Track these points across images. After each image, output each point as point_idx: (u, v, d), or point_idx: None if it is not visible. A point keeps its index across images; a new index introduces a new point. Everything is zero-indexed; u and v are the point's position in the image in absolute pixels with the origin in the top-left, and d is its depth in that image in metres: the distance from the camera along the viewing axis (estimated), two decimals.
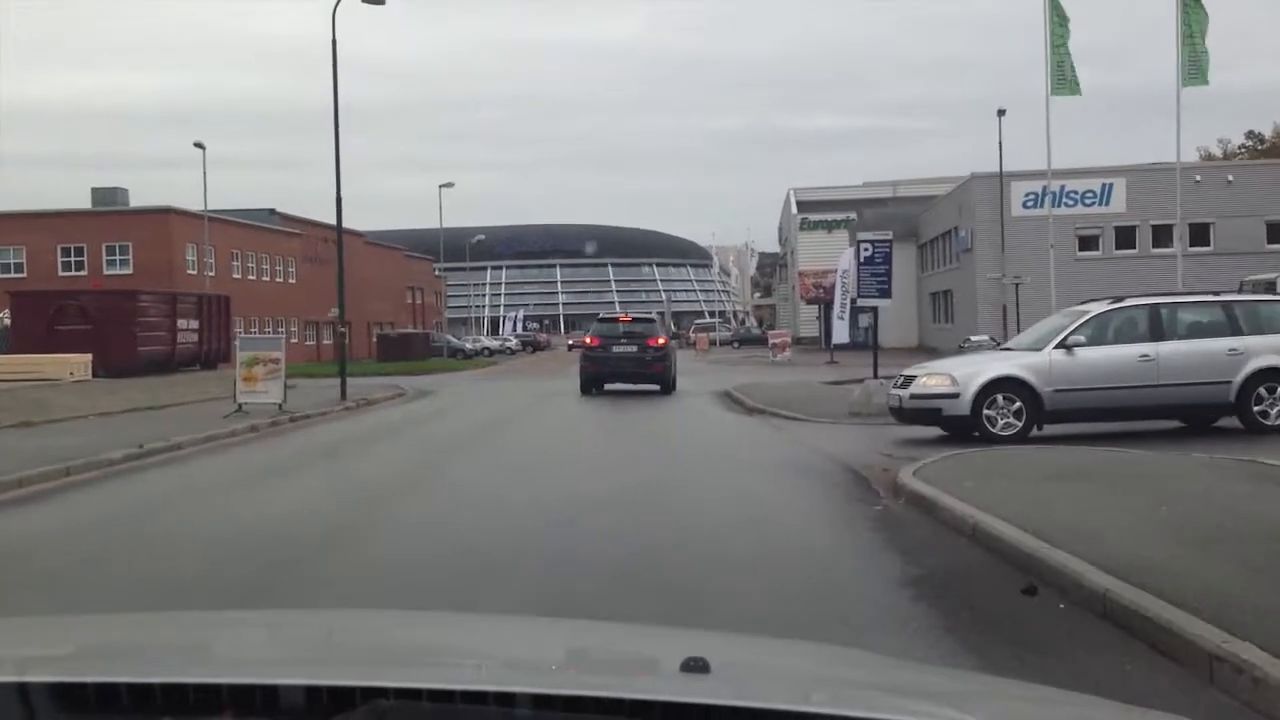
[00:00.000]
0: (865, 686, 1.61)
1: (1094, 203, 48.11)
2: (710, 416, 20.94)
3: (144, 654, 1.74)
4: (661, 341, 27.21)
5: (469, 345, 70.24)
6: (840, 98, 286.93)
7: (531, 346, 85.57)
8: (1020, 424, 14.78)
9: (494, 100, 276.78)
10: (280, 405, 21.91)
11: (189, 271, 53.02)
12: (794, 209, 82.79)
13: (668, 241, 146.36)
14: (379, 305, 77.35)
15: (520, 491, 11.30)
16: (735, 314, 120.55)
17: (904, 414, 15.64)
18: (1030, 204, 48.04)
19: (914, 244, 64.31)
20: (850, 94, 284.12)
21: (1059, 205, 47.96)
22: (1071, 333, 14.98)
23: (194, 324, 35.89)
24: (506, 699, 1.26)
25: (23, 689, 1.30)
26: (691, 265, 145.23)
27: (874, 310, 21.53)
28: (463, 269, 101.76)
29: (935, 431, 15.58)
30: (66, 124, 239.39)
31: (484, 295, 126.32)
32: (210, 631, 2.06)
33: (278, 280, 62.91)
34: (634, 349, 26.28)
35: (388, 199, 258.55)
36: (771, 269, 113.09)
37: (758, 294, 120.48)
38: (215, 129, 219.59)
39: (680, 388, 29.13)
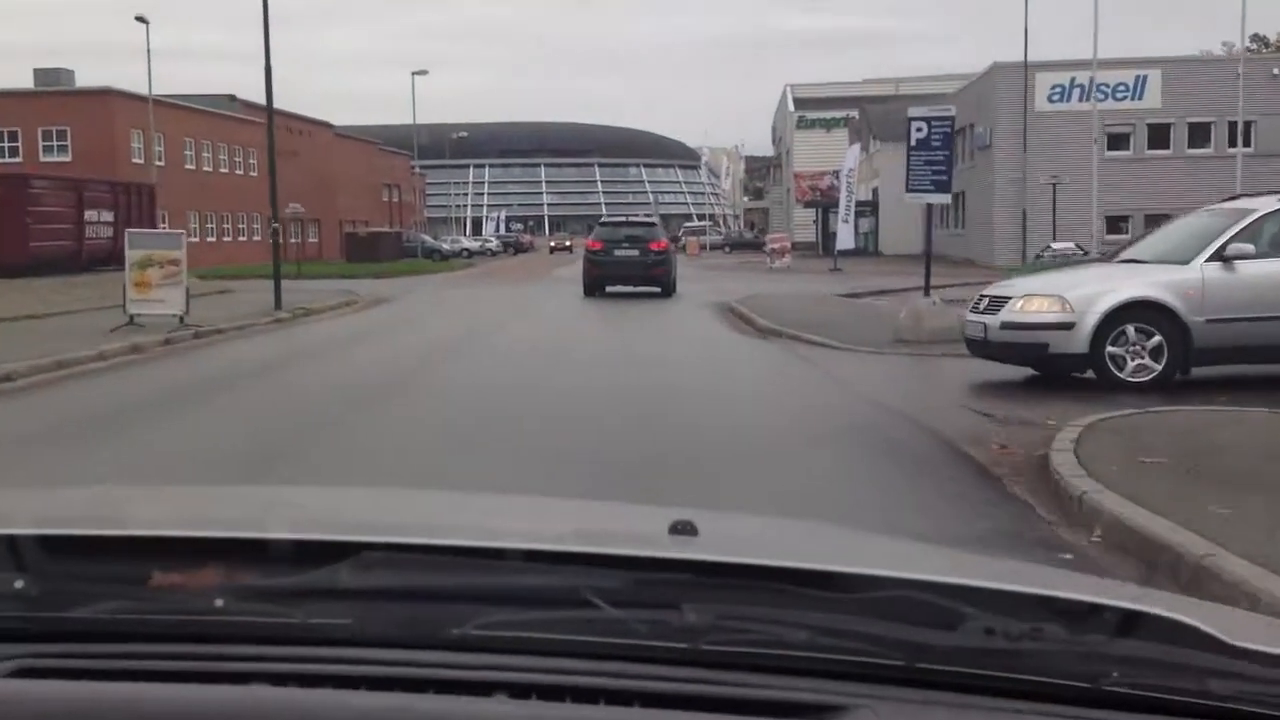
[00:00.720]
0: (850, 550, 1.61)
1: (1126, 97, 43.38)
2: (718, 341, 16.54)
3: (130, 513, 1.71)
4: (663, 245, 27.15)
5: (446, 246, 65.38)
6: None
7: (514, 248, 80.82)
8: (1159, 367, 10.48)
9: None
10: (181, 317, 17.46)
11: (134, 160, 47.98)
12: (790, 106, 77.59)
13: (656, 142, 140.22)
14: (351, 202, 72.34)
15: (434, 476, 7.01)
16: (724, 218, 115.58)
17: (990, 348, 11.31)
18: (1057, 98, 43.39)
19: None
20: None
21: (1087, 99, 43.32)
22: (1232, 239, 10.61)
23: (108, 216, 31.03)
24: (495, 554, 1.26)
25: (11, 541, 1.29)
26: (680, 167, 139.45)
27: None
28: (443, 167, 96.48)
29: (1014, 371, 11.32)
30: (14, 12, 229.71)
31: (466, 195, 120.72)
32: (197, 499, 2.10)
33: (238, 173, 57.80)
34: (636, 252, 26.15)
35: (369, 96, 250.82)
36: (764, 172, 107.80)
37: (747, 197, 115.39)
38: (174, 17, 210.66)
39: (677, 294, 25.17)
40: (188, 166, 52.26)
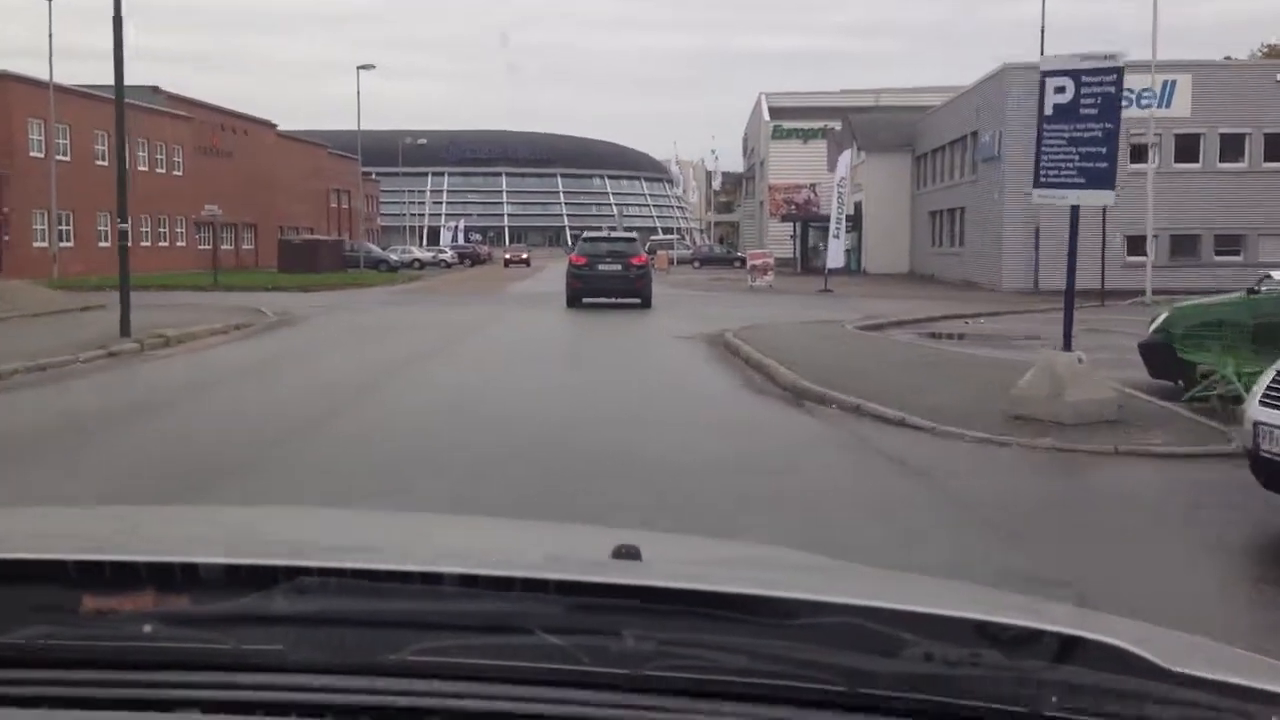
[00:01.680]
0: (792, 573, 1.61)
1: (1151, 103, 38.08)
2: (733, 415, 10.43)
3: (61, 535, 1.66)
4: (642, 260, 27.98)
5: (394, 256, 59.21)
6: (807, 18, 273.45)
7: (470, 259, 74.55)
8: None
9: (449, 9, 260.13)
10: None
11: (32, 154, 41.73)
12: (765, 115, 72.13)
13: (621, 153, 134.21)
14: (294, 208, 66.14)
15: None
16: (690, 232, 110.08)
17: None
18: None
19: (909, 155, 54.33)
20: (816, 14, 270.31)
21: None
22: None
23: None
24: (433, 579, 1.21)
25: None
26: (645, 179, 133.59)
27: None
28: (401, 174, 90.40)
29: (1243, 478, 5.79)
30: None
31: (424, 204, 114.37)
32: (131, 519, 2.00)
33: (159, 171, 51.44)
34: (619, 267, 26.69)
35: (329, 104, 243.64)
36: (732, 186, 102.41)
37: (712, 211, 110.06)
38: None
39: (657, 328, 19.74)
40: (98, 162, 45.92)
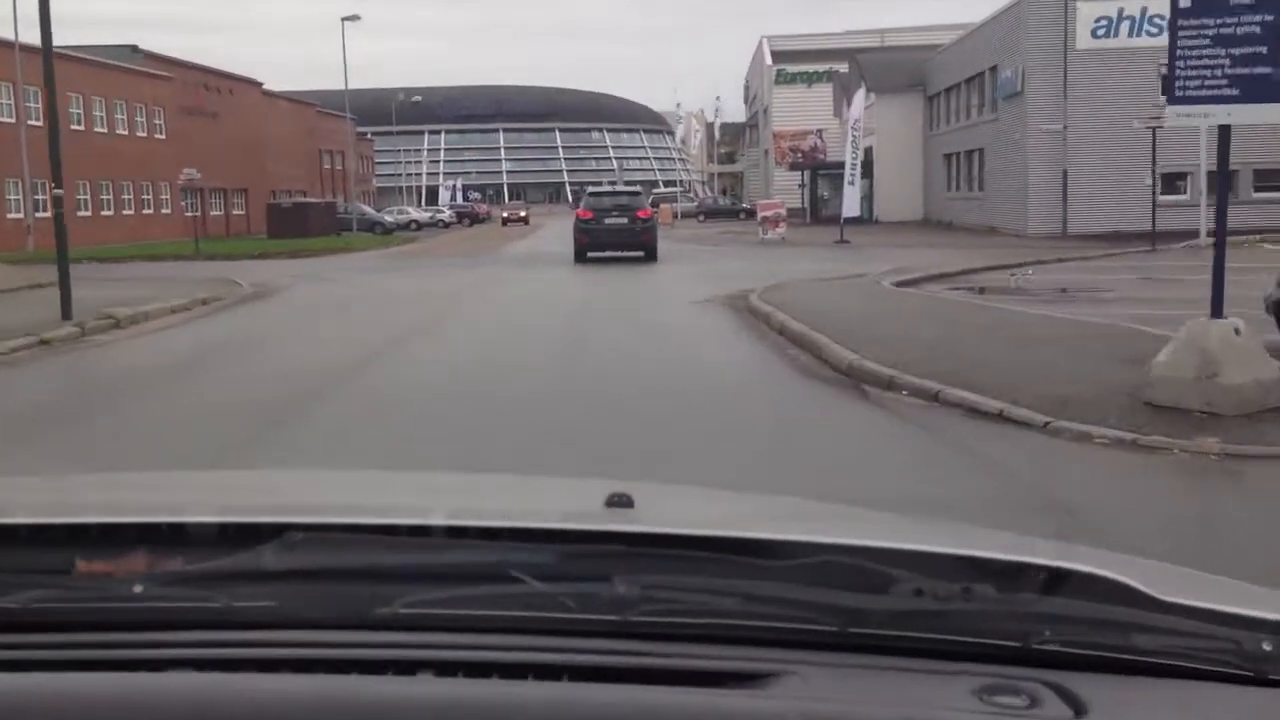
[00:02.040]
0: (783, 518, 1.60)
1: None
2: (788, 412, 8.05)
3: (50, 500, 1.67)
4: (648, 213, 27.81)
5: (390, 218, 56.77)
6: None
7: (469, 219, 72.03)
8: None
9: None
10: None
11: (2, 119, 39.32)
12: (767, 59, 69.26)
13: (620, 106, 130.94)
14: (285, 170, 63.66)
15: None
16: (692, 183, 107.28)
17: None
18: (1102, 32, 35.52)
19: (920, 96, 51.70)
20: None
21: (1137, 34, 35.56)
22: None
23: None
24: (420, 531, 1.22)
25: None
26: (645, 131, 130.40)
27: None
28: (395, 134, 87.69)
29: None
30: None
31: (420, 163, 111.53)
32: (120, 485, 1.98)
33: (140, 134, 48.92)
34: (625, 220, 26.69)
35: (321, 63, 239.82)
36: (734, 136, 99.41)
37: (713, 164, 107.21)
38: None
39: (669, 293, 17.48)
40: (75, 127, 43.47)
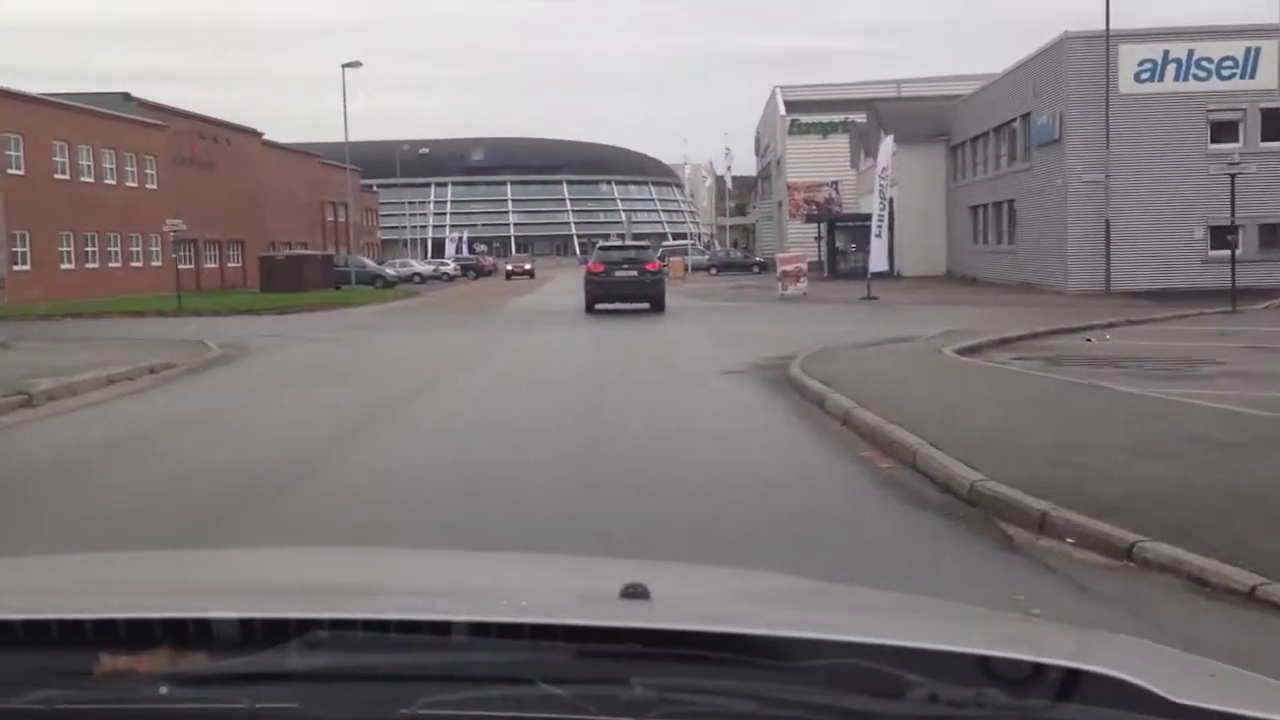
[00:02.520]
0: (798, 609, 1.59)
1: (1233, 74, 33.16)
2: (883, 570, 5.34)
3: (71, 591, 1.64)
4: (656, 266, 28.47)
5: (390, 271, 54.30)
6: (808, 19, 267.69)
7: (474, 271, 69.59)
8: None
9: (444, 18, 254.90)
10: None
11: None
12: (781, 109, 67.16)
13: (628, 158, 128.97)
14: (285, 221, 61.39)
15: None
16: (700, 236, 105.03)
17: None
18: (1146, 75, 33.09)
19: (943, 146, 49.30)
20: (819, 13, 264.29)
21: (1184, 78, 33.13)
22: None
23: None
24: (442, 628, 1.22)
25: None
26: (654, 184, 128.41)
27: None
28: (402, 186, 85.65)
29: None
30: None
31: (427, 215, 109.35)
32: (141, 569, 1.97)
33: (130, 185, 46.53)
34: (634, 273, 27.29)
35: (329, 118, 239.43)
36: (744, 189, 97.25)
37: (719, 215, 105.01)
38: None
39: (693, 361, 14.87)
40: (59, 175, 41.15)
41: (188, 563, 2.18)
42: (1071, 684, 1.11)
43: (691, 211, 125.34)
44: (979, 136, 44.07)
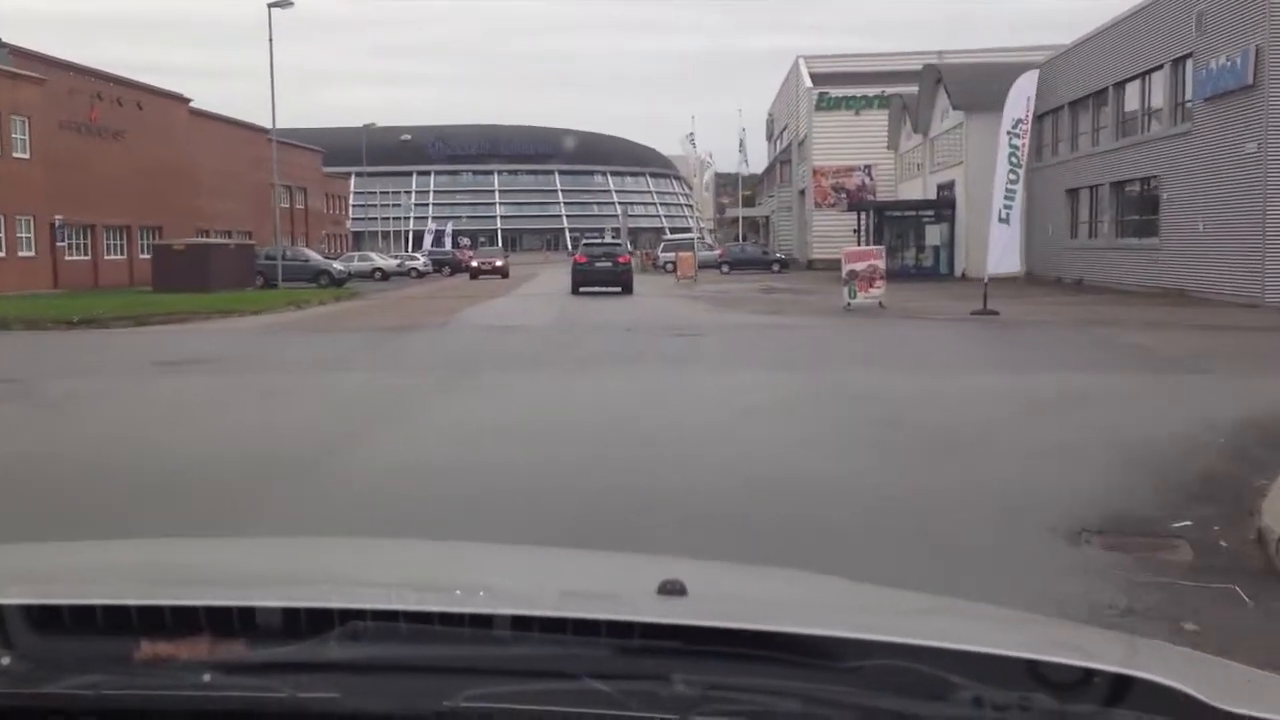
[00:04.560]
0: (839, 609, 1.57)
1: None
2: None
3: (117, 577, 1.61)
4: (626, 259, 34.50)
5: (337, 266, 43.00)
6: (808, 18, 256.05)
7: (449, 267, 58.31)
8: None
9: (440, 16, 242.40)
10: None
11: None
12: (806, 82, 56.03)
13: (624, 148, 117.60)
14: (223, 206, 50.20)
15: None
16: (702, 229, 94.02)
17: None
18: None
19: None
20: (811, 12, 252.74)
21: None
22: None
23: None
24: (484, 621, 1.21)
25: None
26: (651, 175, 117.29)
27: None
28: (374, 174, 74.31)
29: None
30: None
31: (408, 205, 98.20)
32: (182, 553, 1.96)
33: None
34: (609, 264, 33.21)
35: (327, 112, 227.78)
36: (752, 182, 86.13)
37: (724, 205, 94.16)
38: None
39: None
40: None
41: (227, 550, 2.09)
42: (1119, 691, 1.07)
43: (690, 204, 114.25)
44: (1081, 100, 33.12)
